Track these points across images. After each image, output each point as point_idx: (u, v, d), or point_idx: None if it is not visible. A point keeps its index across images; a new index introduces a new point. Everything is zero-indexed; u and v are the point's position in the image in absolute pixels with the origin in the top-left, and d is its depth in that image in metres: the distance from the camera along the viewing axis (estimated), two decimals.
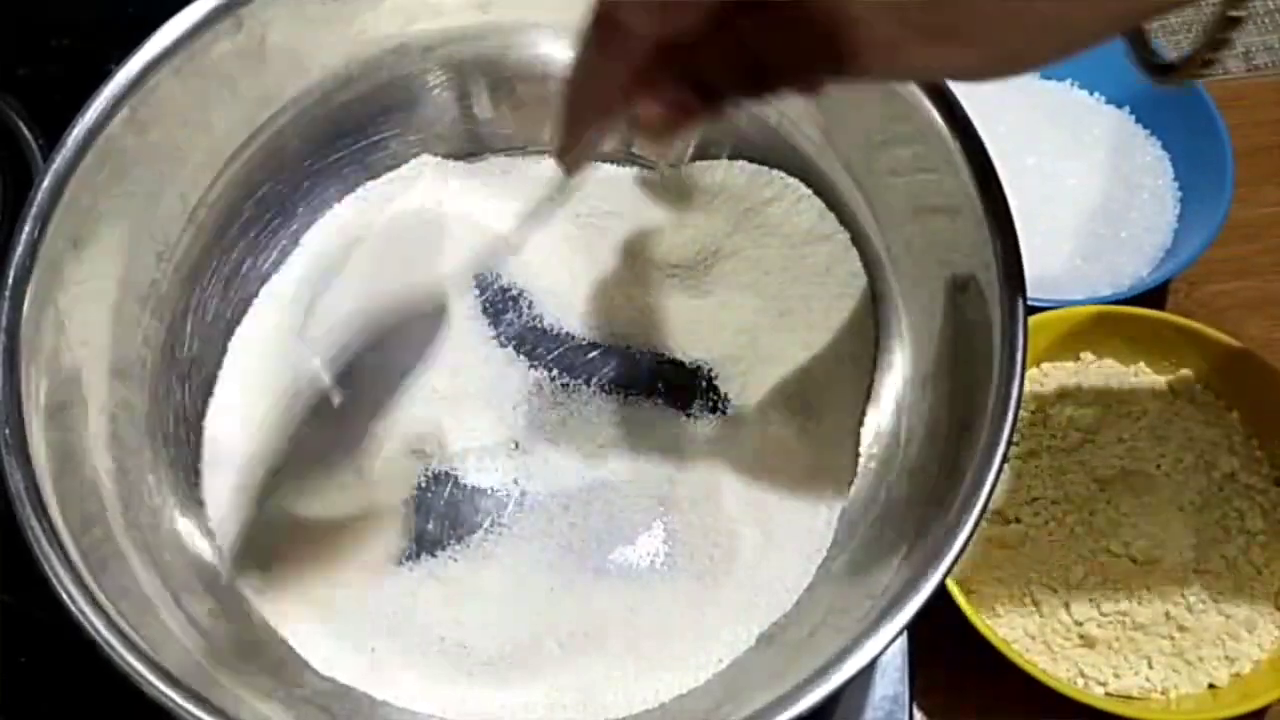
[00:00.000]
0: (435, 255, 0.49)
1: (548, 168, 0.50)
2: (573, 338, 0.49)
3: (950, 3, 0.28)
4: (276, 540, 0.44)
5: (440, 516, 0.45)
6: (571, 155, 0.37)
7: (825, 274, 0.48)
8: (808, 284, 0.48)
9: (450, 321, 0.44)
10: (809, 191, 0.49)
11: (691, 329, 0.48)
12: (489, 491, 0.46)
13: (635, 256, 0.50)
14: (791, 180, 0.49)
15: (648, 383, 0.48)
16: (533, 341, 0.49)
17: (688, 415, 0.47)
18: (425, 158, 0.51)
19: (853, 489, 0.45)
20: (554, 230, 0.49)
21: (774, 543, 0.44)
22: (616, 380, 0.48)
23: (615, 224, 0.50)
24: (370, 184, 0.51)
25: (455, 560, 0.44)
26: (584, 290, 0.49)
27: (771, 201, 0.49)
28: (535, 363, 0.48)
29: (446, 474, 0.46)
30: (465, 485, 0.46)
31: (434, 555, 0.45)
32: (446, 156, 0.51)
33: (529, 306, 0.49)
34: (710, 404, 0.47)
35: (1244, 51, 0.68)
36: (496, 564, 0.44)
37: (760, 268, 0.49)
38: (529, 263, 0.50)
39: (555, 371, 0.48)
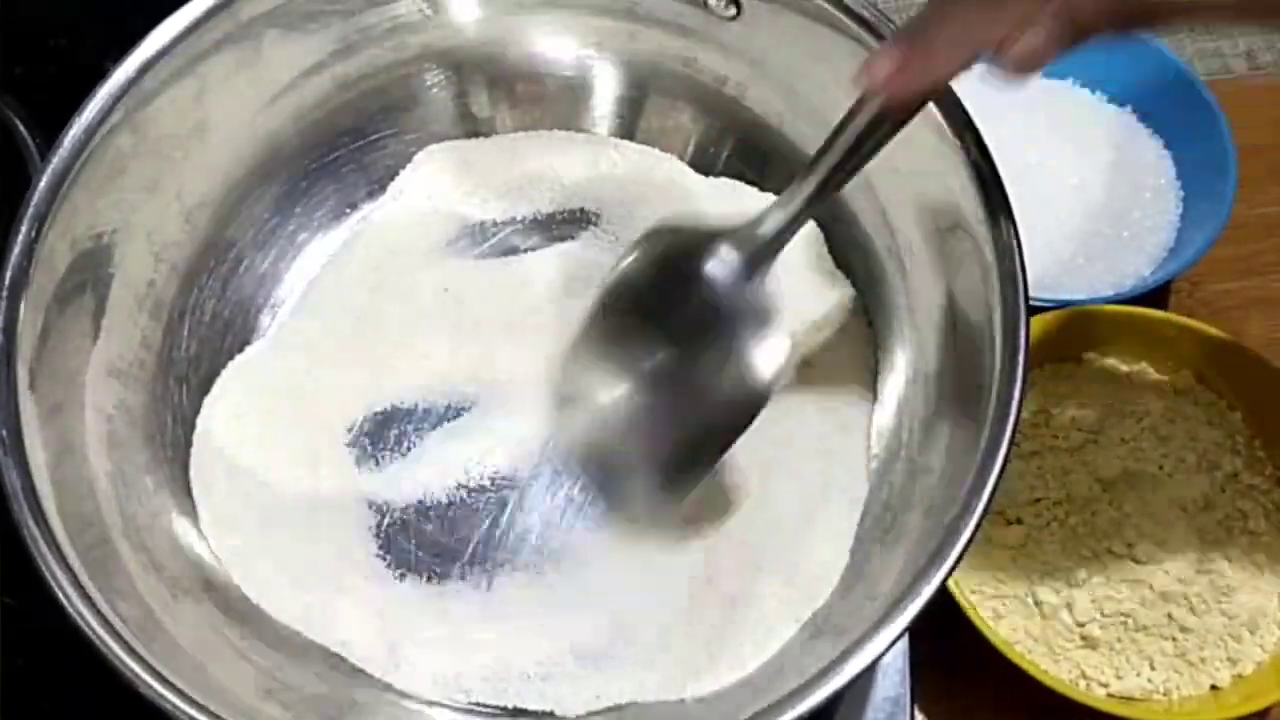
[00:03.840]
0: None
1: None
2: None
3: None
4: (273, 540, 0.44)
5: (444, 525, 0.45)
6: (918, 77, 0.36)
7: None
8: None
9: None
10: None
11: None
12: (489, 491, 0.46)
13: None
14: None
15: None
16: None
17: None
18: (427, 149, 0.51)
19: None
20: None
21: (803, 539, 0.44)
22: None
23: None
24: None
25: (461, 570, 0.44)
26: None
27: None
28: None
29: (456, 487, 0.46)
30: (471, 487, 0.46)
31: (437, 566, 0.45)
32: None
33: None
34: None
35: (1247, 51, 0.67)
36: (504, 576, 0.44)
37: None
38: None
39: None
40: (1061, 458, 0.50)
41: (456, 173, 0.51)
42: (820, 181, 0.39)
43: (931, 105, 0.41)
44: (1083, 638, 0.47)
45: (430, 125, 0.51)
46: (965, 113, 0.41)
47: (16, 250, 0.39)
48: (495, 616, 0.43)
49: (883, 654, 0.34)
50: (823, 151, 0.39)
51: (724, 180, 0.51)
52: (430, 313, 0.49)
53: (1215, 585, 0.48)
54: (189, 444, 0.45)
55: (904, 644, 0.46)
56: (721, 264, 0.41)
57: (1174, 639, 0.47)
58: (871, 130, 0.37)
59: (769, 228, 0.40)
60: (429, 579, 0.44)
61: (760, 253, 0.41)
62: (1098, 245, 0.56)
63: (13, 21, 0.56)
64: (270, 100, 0.47)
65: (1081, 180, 0.58)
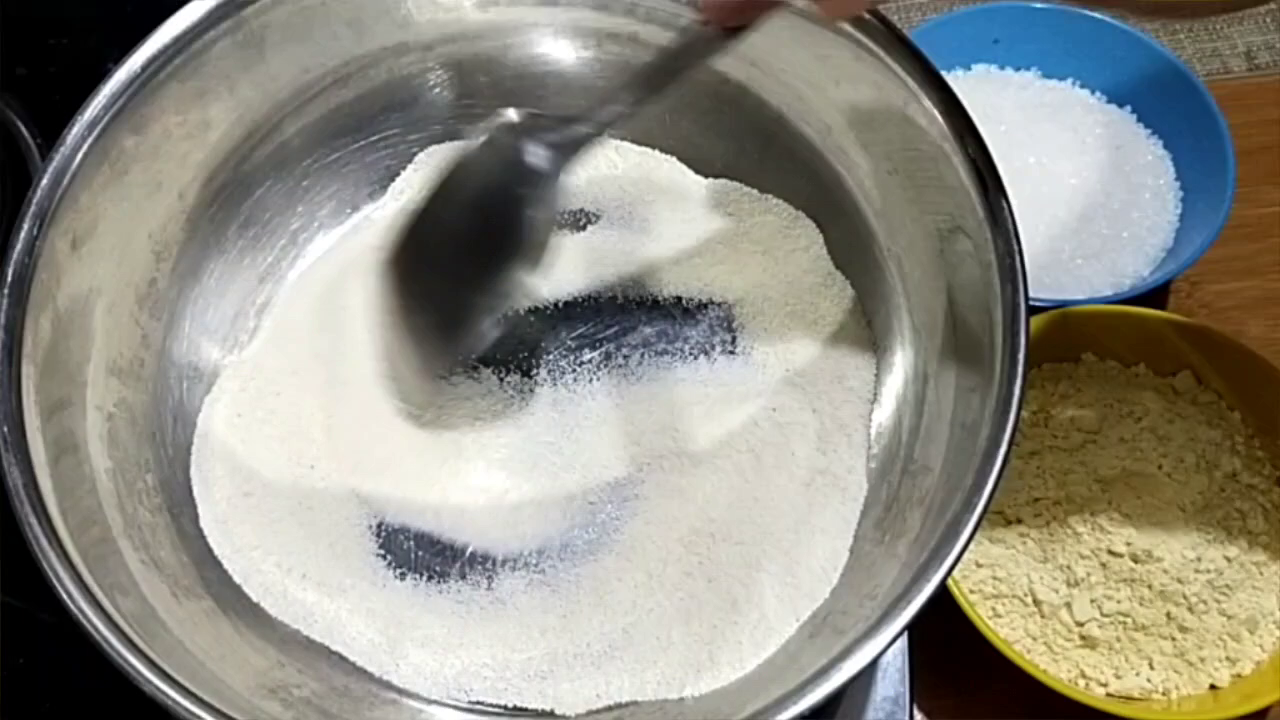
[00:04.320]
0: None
1: None
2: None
3: None
4: (274, 539, 0.44)
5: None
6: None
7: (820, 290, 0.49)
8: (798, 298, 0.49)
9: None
10: (799, 213, 0.50)
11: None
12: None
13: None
14: (781, 203, 0.50)
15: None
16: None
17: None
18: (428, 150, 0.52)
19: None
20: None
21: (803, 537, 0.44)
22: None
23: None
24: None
25: (461, 569, 0.44)
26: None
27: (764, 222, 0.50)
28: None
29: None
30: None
31: (437, 565, 0.45)
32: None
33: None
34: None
35: (1246, 51, 0.68)
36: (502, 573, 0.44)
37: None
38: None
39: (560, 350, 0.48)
40: (1061, 457, 0.50)
41: None
42: (643, 83, 0.41)
43: (931, 106, 0.41)
44: (1082, 637, 0.47)
45: (431, 125, 0.51)
46: (965, 113, 0.41)
47: (19, 248, 0.39)
48: (495, 616, 0.43)
49: (882, 653, 0.34)
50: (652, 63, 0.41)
51: (723, 181, 0.51)
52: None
53: (1214, 585, 0.48)
54: (189, 443, 0.45)
55: (904, 643, 0.46)
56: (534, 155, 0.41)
57: (1173, 638, 0.47)
58: (695, 49, 0.41)
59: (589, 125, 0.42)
60: (429, 578, 0.44)
61: (569, 146, 0.42)
62: (1097, 245, 0.56)
63: (14, 21, 0.56)
64: (272, 100, 0.47)
65: (1081, 180, 0.58)
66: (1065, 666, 0.47)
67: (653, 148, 0.52)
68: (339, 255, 0.50)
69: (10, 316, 0.38)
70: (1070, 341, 0.53)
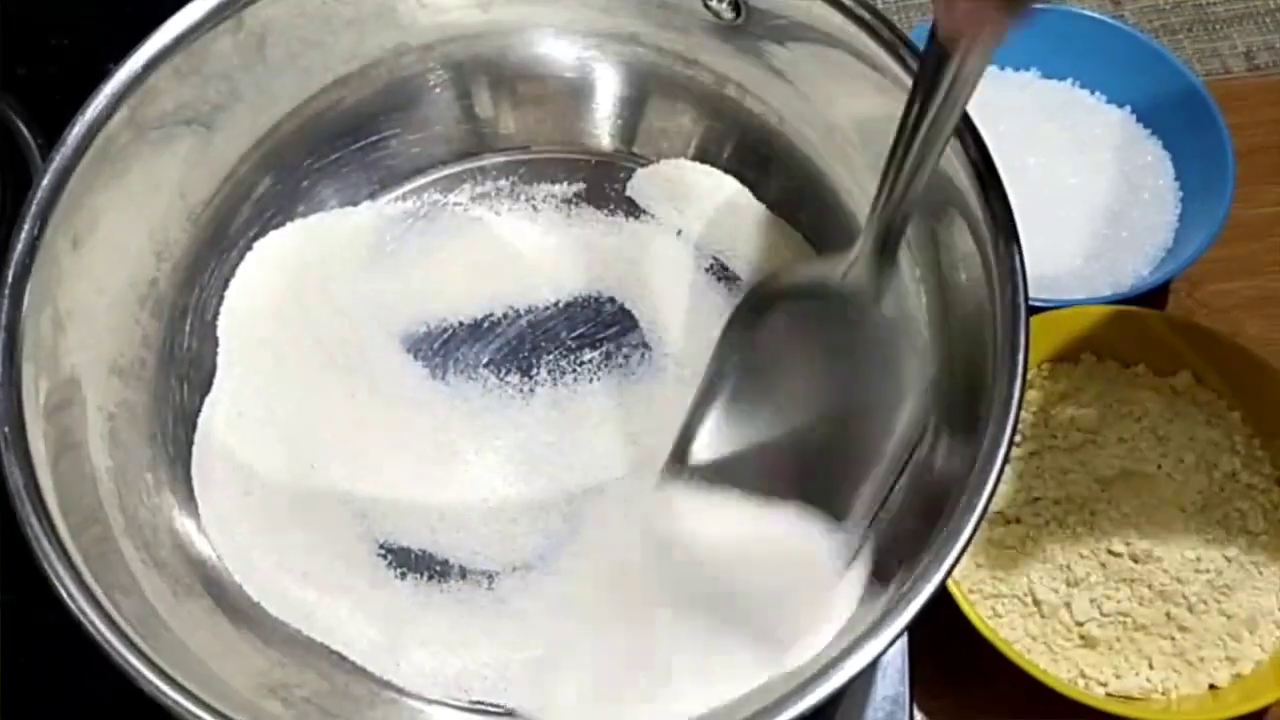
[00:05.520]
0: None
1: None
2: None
3: None
4: (274, 538, 0.44)
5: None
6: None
7: None
8: None
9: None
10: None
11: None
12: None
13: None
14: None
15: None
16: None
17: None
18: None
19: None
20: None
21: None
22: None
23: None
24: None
25: (462, 569, 0.44)
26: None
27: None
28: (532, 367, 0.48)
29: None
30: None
31: (438, 565, 0.45)
32: (447, 158, 0.52)
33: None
34: None
35: (1245, 51, 0.68)
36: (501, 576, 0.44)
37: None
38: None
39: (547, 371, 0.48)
40: (1060, 457, 0.51)
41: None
42: (894, 170, 0.38)
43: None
44: (1081, 637, 0.47)
45: (432, 125, 0.51)
46: (965, 113, 0.41)
47: (19, 248, 0.39)
48: (496, 615, 0.43)
49: (883, 652, 0.34)
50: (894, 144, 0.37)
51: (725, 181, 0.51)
52: None
53: (1214, 585, 0.48)
54: (190, 442, 0.45)
55: (903, 643, 0.46)
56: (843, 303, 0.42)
57: (1173, 638, 0.47)
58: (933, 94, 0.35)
59: (864, 246, 0.40)
60: (430, 578, 0.44)
61: (870, 273, 0.41)
62: (1097, 245, 0.56)
63: (14, 21, 0.56)
64: (273, 100, 0.47)
65: (1081, 181, 0.58)
66: (1065, 666, 0.47)
67: (653, 148, 0.52)
68: (332, 251, 0.50)
69: (11, 316, 0.38)
70: (1070, 341, 0.53)
